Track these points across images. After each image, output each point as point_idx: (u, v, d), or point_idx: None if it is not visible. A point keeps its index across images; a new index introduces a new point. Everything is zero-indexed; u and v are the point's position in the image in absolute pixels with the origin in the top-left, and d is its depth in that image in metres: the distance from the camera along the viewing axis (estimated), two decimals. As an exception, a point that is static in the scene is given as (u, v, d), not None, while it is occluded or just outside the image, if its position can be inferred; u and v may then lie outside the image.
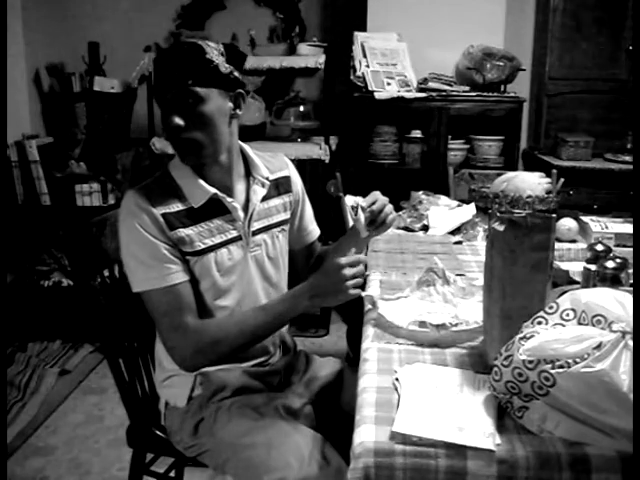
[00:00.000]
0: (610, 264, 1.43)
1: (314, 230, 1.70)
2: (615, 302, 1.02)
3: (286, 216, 1.58)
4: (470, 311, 1.46)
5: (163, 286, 1.34)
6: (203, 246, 1.39)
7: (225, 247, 1.43)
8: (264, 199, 1.51)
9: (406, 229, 2.31)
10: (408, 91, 3.22)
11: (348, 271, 1.30)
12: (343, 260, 1.31)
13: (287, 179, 1.59)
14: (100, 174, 3.30)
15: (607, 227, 2.01)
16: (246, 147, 1.54)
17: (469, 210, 2.27)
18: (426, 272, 1.62)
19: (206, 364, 1.41)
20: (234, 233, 1.45)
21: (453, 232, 2.24)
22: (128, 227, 1.35)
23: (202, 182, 1.40)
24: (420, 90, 3.25)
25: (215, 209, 1.42)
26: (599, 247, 1.57)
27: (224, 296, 1.44)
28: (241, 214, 1.45)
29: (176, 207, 1.38)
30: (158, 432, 1.52)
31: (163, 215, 1.35)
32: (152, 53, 3.43)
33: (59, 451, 2.39)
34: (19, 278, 3.19)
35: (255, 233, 1.49)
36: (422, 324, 1.38)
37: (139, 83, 3.46)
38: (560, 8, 3.47)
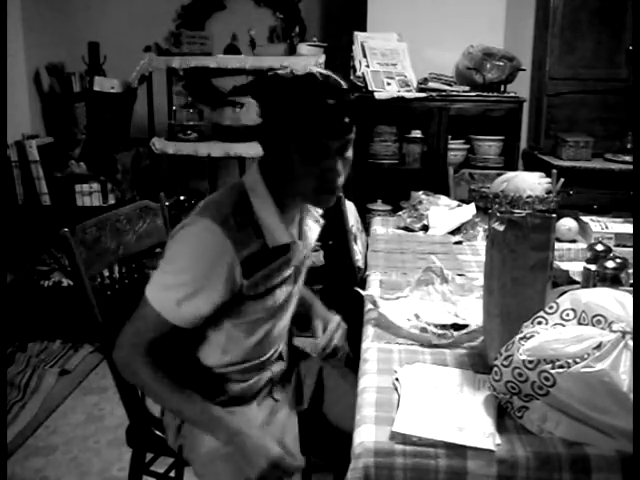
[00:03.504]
0: (610, 264, 1.43)
1: None
2: (615, 302, 1.02)
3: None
4: (469, 308, 1.46)
5: (165, 317, 1.27)
6: (263, 289, 1.32)
7: (279, 288, 1.37)
8: None
9: (406, 229, 2.31)
10: (408, 91, 3.22)
11: (274, 469, 1.23)
12: (277, 457, 1.24)
13: None
14: (100, 174, 3.30)
15: (607, 227, 2.01)
16: None
17: (469, 210, 2.27)
18: (424, 271, 1.63)
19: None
20: (288, 272, 1.38)
21: (453, 232, 2.24)
22: (206, 257, 1.24)
23: (282, 224, 1.32)
24: (420, 90, 3.25)
25: (281, 249, 1.34)
26: (599, 247, 1.57)
27: (258, 329, 1.40)
28: (299, 249, 1.39)
29: (254, 246, 1.28)
30: (158, 432, 1.52)
31: (243, 262, 1.26)
32: (152, 53, 3.44)
33: (59, 451, 2.39)
34: (19, 278, 3.19)
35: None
36: (423, 330, 1.38)
37: (139, 83, 3.47)
38: (560, 8, 3.46)
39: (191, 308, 1.26)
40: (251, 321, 1.36)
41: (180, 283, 1.25)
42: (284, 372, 1.57)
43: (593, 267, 1.48)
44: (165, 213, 1.78)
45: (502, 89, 3.32)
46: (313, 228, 1.47)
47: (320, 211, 1.49)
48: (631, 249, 1.75)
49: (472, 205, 2.27)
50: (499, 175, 2.30)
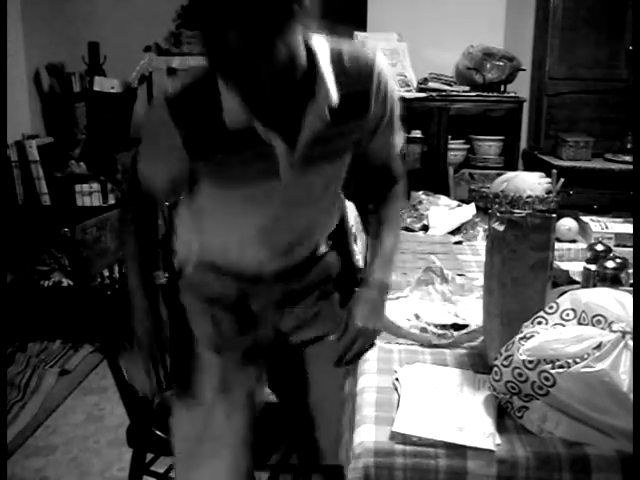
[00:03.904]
0: (610, 264, 1.43)
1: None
2: (615, 302, 1.02)
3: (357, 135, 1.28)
4: (469, 308, 1.46)
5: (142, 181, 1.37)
6: (228, 175, 1.21)
7: (252, 179, 1.21)
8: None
9: (406, 229, 2.31)
10: (408, 91, 3.21)
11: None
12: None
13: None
14: (100, 174, 3.31)
15: (607, 227, 2.01)
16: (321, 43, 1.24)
17: (469, 210, 2.27)
18: (424, 271, 1.63)
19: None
20: (264, 164, 1.19)
21: (453, 232, 2.23)
22: (148, 129, 1.31)
23: (241, 102, 1.12)
24: (420, 90, 3.25)
25: (248, 134, 1.15)
26: (599, 247, 1.57)
27: (240, 219, 1.33)
28: (284, 146, 1.18)
29: (206, 124, 1.16)
30: (158, 432, 1.53)
31: (191, 138, 1.17)
32: (152, 53, 3.44)
33: (59, 451, 2.39)
34: (19, 278, 3.18)
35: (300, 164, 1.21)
36: (423, 330, 1.38)
37: (139, 83, 3.47)
38: (560, 8, 3.46)
39: (154, 174, 1.34)
40: (231, 210, 1.31)
41: (140, 152, 1.36)
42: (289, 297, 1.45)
43: (593, 267, 1.48)
44: (165, 213, 1.78)
45: (502, 89, 3.32)
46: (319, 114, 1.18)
47: (334, 92, 1.19)
48: (631, 249, 1.74)
49: (472, 205, 2.27)
50: (499, 175, 2.29)
